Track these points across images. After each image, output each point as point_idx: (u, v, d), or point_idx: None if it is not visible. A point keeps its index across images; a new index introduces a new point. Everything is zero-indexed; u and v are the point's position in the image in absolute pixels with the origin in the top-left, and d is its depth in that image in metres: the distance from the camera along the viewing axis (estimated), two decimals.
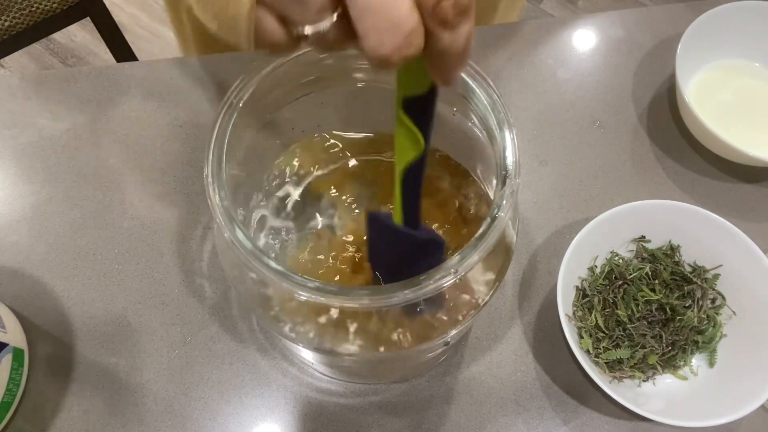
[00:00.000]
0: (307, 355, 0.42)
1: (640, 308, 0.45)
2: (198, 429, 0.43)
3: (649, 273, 0.46)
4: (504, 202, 0.29)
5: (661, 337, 0.44)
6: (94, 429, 0.43)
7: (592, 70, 0.57)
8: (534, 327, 0.47)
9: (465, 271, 0.28)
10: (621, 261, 0.47)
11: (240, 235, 0.28)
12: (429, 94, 0.26)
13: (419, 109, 0.27)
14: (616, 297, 0.45)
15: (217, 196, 0.29)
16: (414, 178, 0.29)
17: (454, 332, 0.34)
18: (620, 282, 0.46)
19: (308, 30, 0.22)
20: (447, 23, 0.22)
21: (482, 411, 0.44)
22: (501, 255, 0.34)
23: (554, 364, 0.46)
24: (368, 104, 0.40)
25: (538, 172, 0.53)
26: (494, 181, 0.31)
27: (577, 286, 0.46)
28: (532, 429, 0.44)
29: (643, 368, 0.44)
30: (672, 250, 0.47)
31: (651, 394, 0.44)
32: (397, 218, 0.30)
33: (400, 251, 0.32)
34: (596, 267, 0.47)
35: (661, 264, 0.46)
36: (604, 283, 0.46)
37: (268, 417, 0.44)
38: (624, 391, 0.43)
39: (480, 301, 0.34)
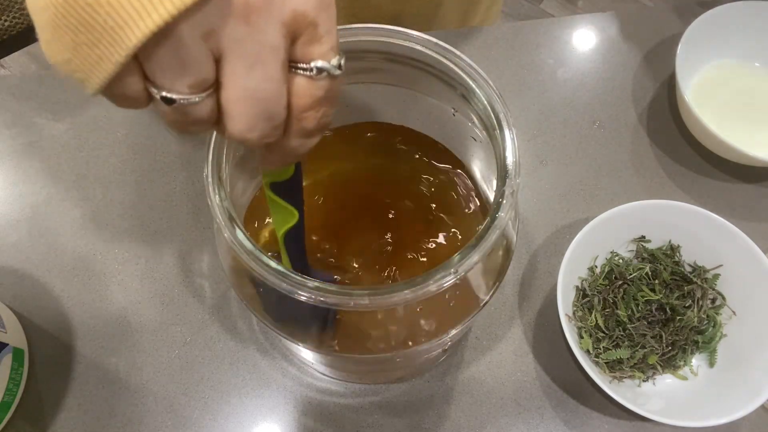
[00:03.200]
0: (307, 355, 0.42)
1: (640, 308, 0.45)
2: (198, 429, 0.43)
3: (649, 273, 0.46)
4: (504, 202, 0.29)
5: (661, 337, 0.44)
6: (94, 429, 0.43)
7: (592, 70, 0.57)
8: (534, 327, 0.47)
9: (465, 271, 0.28)
10: (621, 261, 0.47)
11: (240, 235, 0.28)
12: (293, 177, 0.29)
13: (286, 189, 0.29)
14: (616, 297, 0.45)
15: (217, 196, 0.29)
16: (295, 239, 0.31)
17: (453, 332, 0.34)
18: (620, 282, 0.46)
19: (176, 97, 0.21)
20: (305, 131, 0.24)
21: (482, 411, 0.44)
22: (501, 255, 0.34)
23: (554, 364, 0.46)
24: (371, 101, 0.40)
25: (538, 172, 0.53)
26: (494, 181, 0.31)
27: (577, 286, 0.46)
28: (532, 429, 0.44)
29: (643, 368, 0.44)
30: (672, 250, 0.47)
31: (651, 394, 0.44)
32: (286, 265, 0.32)
33: (295, 305, 0.31)
34: (596, 267, 0.47)
35: (661, 264, 0.46)
36: (604, 283, 0.46)
37: (268, 417, 0.44)
38: (624, 391, 0.43)
39: (480, 301, 0.34)
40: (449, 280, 0.28)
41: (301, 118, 0.23)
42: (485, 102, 0.31)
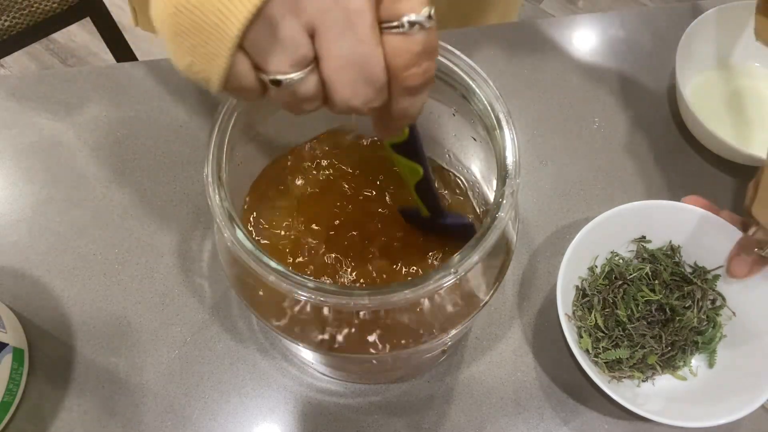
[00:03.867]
0: (307, 355, 0.42)
1: (639, 308, 0.45)
2: (198, 429, 0.43)
3: (649, 273, 0.46)
4: (504, 202, 0.29)
5: (660, 337, 0.44)
6: (94, 429, 0.43)
7: (591, 70, 0.57)
8: (534, 327, 0.47)
9: (465, 271, 0.28)
10: (621, 261, 0.47)
11: (240, 235, 0.28)
12: (410, 138, 0.29)
13: (406, 150, 0.30)
14: (615, 297, 0.45)
15: (217, 196, 0.29)
16: (426, 190, 0.33)
17: (453, 332, 0.34)
18: (620, 282, 0.46)
19: (282, 77, 0.22)
20: (411, 89, 0.24)
21: (482, 411, 0.44)
22: (501, 255, 0.34)
23: (554, 364, 0.46)
24: None
25: (538, 172, 0.53)
26: (494, 181, 0.31)
27: (577, 286, 0.46)
28: (532, 429, 0.44)
29: (643, 368, 0.44)
30: (672, 250, 0.47)
31: (650, 394, 0.44)
32: (424, 212, 0.35)
33: (434, 232, 0.37)
34: (596, 267, 0.47)
35: (661, 264, 0.46)
36: (604, 283, 0.46)
37: (268, 417, 0.44)
38: (623, 391, 0.42)
39: (480, 301, 0.34)
40: (449, 280, 0.28)
41: (404, 78, 0.23)
42: (485, 102, 0.31)
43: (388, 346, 0.34)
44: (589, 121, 0.55)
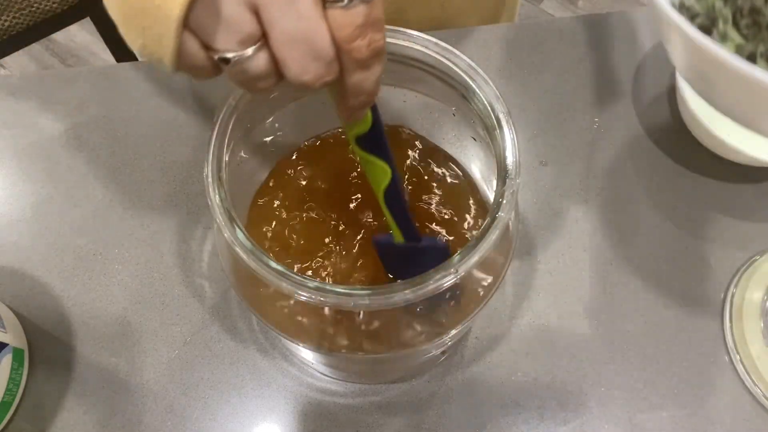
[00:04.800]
0: (307, 355, 0.42)
1: None
2: (198, 429, 0.43)
3: None
4: (504, 202, 0.29)
5: None
6: (94, 429, 0.43)
7: (592, 70, 0.57)
8: (534, 327, 0.47)
9: (465, 271, 0.28)
10: None
11: (240, 235, 0.28)
12: (373, 128, 0.29)
13: (371, 142, 0.29)
14: None
15: (217, 196, 0.29)
16: (395, 198, 0.31)
17: (453, 332, 0.34)
18: None
19: (230, 55, 0.23)
20: (360, 62, 0.24)
21: (482, 411, 0.44)
22: (501, 255, 0.34)
23: (554, 364, 0.46)
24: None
25: (538, 172, 0.53)
26: (494, 181, 0.31)
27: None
28: (532, 429, 0.44)
29: None
30: None
31: None
32: (398, 237, 0.33)
33: (410, 263, 0.34)
34: None
35: None
36: None
37: (268, 417, 0.44)
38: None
39: (480, 301, 0.34)
40: (449, 280, 0.28)
41: (350, 50, 0.24)
42: (485, 102, 0.31)
43: (388, 346, 0.34)
44: (589, 121, 0.55)
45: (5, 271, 0.48)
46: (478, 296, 0.34)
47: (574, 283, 0.48)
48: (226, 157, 0.31)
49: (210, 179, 0.30)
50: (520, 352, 0.46)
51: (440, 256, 0.33)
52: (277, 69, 0.24)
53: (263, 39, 0.23)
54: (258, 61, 0.23)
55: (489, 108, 0.31)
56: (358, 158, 0.30)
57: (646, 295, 0.48)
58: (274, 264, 0.28)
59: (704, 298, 0.48)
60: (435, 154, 0.41)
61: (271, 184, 0.40)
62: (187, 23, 0.22)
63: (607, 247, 0.49)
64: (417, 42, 0.32)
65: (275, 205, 0.39)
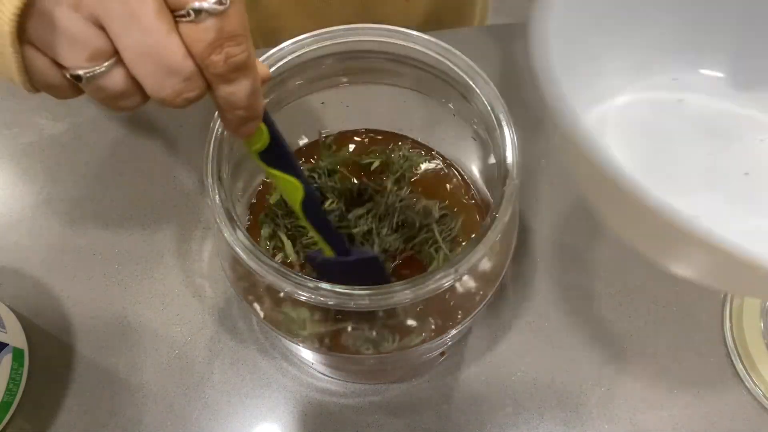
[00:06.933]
0: (307, 355, 0.42)
1: None
2: (198, 429, 0.43)
3: None
4: (504, 202, 0.29)
5: None
6: (94, 429, 0.43)
7: None
8: (533, 326, 0.47)
9: (465, 271, 0.28)
10: None
11: (240, 235, 0.28)
12: (272, 143, 0.28)
13: (274, 157, 0.28)
14: None
15: (217, 196, 0.29)
16: (313, 212, 0.31)
17: (453, 332, 0.34)
18: None
19: (81, 72, 0.22)
20: (220, 77, 0.23)
21: (482, 411, 0.44)
22: (501, 255, 0.34)
23: (554, 364, 0.46)
24: (371, 101, 0.40)
25: (538, 172, 0.53)
26: (494, 181, 0.31)
27: None
28: (532, 429, 0.44)
29: None
30: None
31: None
32: (327, 251, 0.32)
33: (344, 275, 0.33)
34: None
35: None
36: None
37: (268, 417, 0.44)
38: None
39: (480, 301, 0.34)
40: (449, 280, 0.28)
41: (208, 65, 0.22)
42: (485, 102, 0.31)
43: (387, 347, 0.34)
44: None
45: (5, 271, 0.48)
46: (478, 296, 0.34)
47: (574, 283, 0.48)
48: (225, 158, 0.31)
49: (210, 179, 0.30)
50: (520, 352, 0.46)
51: (374, 267, 0.33)
52: (137, 86, 0.23)
53: (117, 55, 0.22)
54: (114, 78, 0.22)
55: (489, 108, 0.31)
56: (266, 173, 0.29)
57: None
58: (274, 264, 0.28)
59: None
60: (429, 154, 0.41)
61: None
62: (26, 38, 0.21)
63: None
64: (417, 42, 0.32)
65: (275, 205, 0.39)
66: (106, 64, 0.22)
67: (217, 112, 0.31)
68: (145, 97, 0.23)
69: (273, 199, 0.38)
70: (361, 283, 0.28)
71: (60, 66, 0.22)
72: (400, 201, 0.38)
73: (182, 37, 0.22)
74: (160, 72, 0.22)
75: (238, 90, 0.24)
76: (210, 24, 0.21)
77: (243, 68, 0.23)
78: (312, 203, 0.30)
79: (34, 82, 0.23)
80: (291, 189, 0.29)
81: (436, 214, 0.38)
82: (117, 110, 0.24)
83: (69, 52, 0.21)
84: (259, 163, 0.28)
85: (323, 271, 0.34)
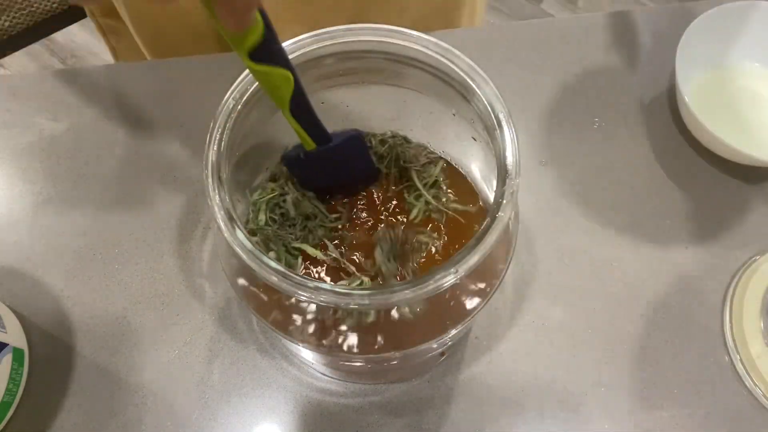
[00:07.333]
0: (307, 355, 0.42)
1: None
2: (198, 429, 0.43)
3: None
4: (504, 202, 0.29)
5: None
6: (94, 429, 0.43)
7: (592, 70, 0.57)
8: (533, 326, 0.47)
9: (465, 271, 0.28)
10: None
11: (240, 235, 0.28)
12: (266, 36, 0.26)
13: (267, 52, 0.27)
14: None
15: (217, 196, 0.29)
16: (301, 105, 0.30)
17: (453, 332, 0.34)
18: None
19: None
20: None
21: (482, 411, 0.44)
22: (501, 255, 0.34)
23: (554, 364, 0.46)
24: (370, 101, 0.40)
25: (538, 172, 0.53)
26: (494, 181, 0.31)
27: None
28: (532, 429, 0.44)
29: None
30: None
31: None
32: (309, 145, 0.31)
33: (329, 167, 0.32)
34: None
35: None
36: None
37: (268, 417, 0.44)
38: None
39: (480, 301, 0.34)
40: (449, 280, 0.28)
41: None
42: (485, 102, 0.31)
43: (388, 346, 0.34)
44: (589, 121, 0.55)
45: (5, 271, 0.48)
46: (478, 296, 0.34)
47: (574, 283, 0.48)
48: (225, 158, 0.31)
49: (210, 179, 0.30)
50: (520, 352, 0.46)
51: (357, 145, 0.32)
52: None
53: None
54: None
55: (489, 108, 0.31)
56: (252, 74, 0.28)
57: (646, 294, 0.48)
58: (274, 264, 0.28)
59: (704, 298, 0.48)
60: (430, 155, 0.41)
61: (271, 183, 0.40)
62: None
63: (606, 247, 0.49)
64: (417, 42, 0.32)
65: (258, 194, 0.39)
66: None
67: (220, 113, 0.31)
68: None
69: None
70: (347, 172, 0.27)
71: None
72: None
73: None
74: None
75: None
76: None
77: None
78: (299, 95, 0.29)
79: None
80: (281, 83, 0.28)
81: (422, 160, 0.38)
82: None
83: None
84: (248, 63, 0.27)
85: (307, 167, 0.33)
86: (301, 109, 0.30)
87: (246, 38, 0.26)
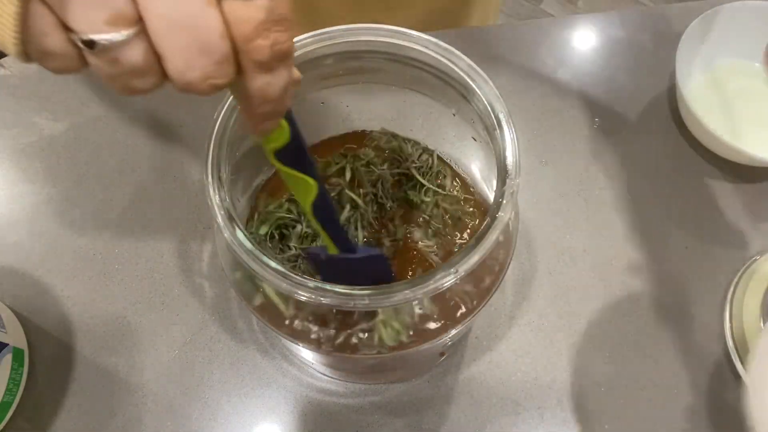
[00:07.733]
0: (307, 355, 0.42)
1: None
2: (198, 429, 0.43)
3: None
4: (504, 202, 0.29)
5: None
6: (94, 429, 0.43)
7: (592, 70, 0.57)
8: (533, 326, 0.47)
9: (465, 271, 0.28)
10: None
11: (240, 235, 0.28)
12: (293, 141, 0.26)
13: (292, 155, 0.27)
14: None
15: (217, 196, 0.29)
16: (324, 210, 0.30)
17: (453, 332, 0.34)
18: None
19: (96, 38, 0.18)
20: (261, 65, 0.20)
21: (482, 411, 0.44)
22: (501, 255, 0.34)
23: (554, 364, 0.46)
24: (371, 101, 0.40)
25: (538, 172, 0.53)
26: (494, 181, 0.31)
27: None
28: (532, 429, 0.44)
29: None
30: None
31: None
32: (332, 249, 0.31)
33: (348, 273, 0.32)
34: None
35: None
36: None
37: (268, 417, 0.44)
38: None
39: (480, 301, 0.34)
40: (449, 280, 0.28)
41: (250, 50, 0.20)
42: (485, 102, 0.31)
43: (388, 347, 0.34)
44: (589, 121, 0.55)
45: (5, 271, 0.48)
46: (478, 296, 0.34)
47: (574, 283, 0.48)
48: (225, 158, 0.31)
49: (210, 179, 0.30)
50: (520, 352, 0.46)
51: (379, 264, 0.33)
52: (157, 64, 0.20)
53: (141, 23, 0.19)
54: (133, 50, 0.19)
55: (489, 108, 0.31)
56: (278, 172, 0.27)
57: (646, 294, 0.48)
58: (274, 264, 0.28)
59: (704, 298, 0.48)
60: (431, 156, 0.41)
61: (271, 183, 0.40)
62: None
63: (606, 247, 0.49)
64: (417, 42, 0.32)
65: (276, 205, 0.39)
66: (126, 32, 0.18)
67: (220, 113, 0.31)
68: (162, 78, 0.20)
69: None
70: (365, 281, 0.28)
71: (67, 29, 0.18)
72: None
73: (223, 14, 0.19)
74: (192, 49, 0.19)
75: (275, 81, 0.21)
76: (262, 3, 0.19)
77: (285, 58, 0.21)
78: (323, 201, 0.29)
79: (29, 46, 0.18)
80: (304, 188, 0.28)
81: (415, 154, 0.38)
82: (124, 91, 0.21)
83: (85, 12, 0.18)
84: (273, 162, 0.27)
85: (326, 268, 0.33)
86: (323, 215, 0.30)
87: (271, 139, 0.26)
